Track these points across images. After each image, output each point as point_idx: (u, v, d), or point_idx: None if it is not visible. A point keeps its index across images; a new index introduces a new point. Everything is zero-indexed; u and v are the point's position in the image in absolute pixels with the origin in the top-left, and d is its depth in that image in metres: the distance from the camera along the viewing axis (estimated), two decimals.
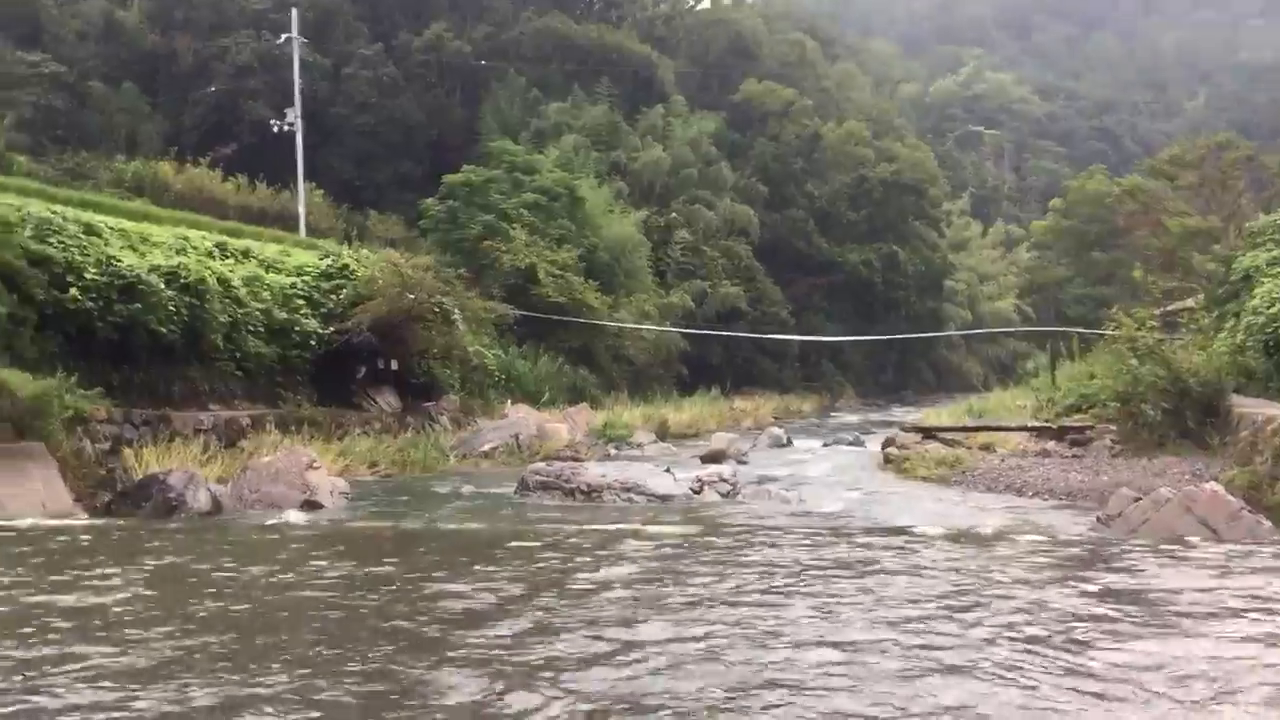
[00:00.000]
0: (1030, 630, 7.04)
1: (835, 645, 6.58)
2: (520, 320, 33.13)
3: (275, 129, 37.46)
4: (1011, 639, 6.78)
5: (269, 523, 13.12)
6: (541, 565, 9.74)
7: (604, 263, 39.96)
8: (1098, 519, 12.98)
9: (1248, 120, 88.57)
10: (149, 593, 8.33)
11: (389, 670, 6.06)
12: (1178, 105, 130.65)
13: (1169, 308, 25.28)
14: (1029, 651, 6.46)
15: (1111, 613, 7.59)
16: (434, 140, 49.68)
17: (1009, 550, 10.63)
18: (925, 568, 9.42)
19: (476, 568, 9.64)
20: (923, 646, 6.55)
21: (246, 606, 7.83)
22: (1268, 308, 20.84)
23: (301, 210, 36.01)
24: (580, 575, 9.16)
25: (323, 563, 9.81)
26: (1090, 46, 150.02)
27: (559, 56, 54.16)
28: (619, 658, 6.28)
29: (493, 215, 36.92)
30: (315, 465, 15.87)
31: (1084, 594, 8.31)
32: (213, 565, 9.62)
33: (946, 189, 76.99)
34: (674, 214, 49.04)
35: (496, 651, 6.46)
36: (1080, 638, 6.85)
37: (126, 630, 6.94)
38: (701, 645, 6.54)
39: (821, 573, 9.11)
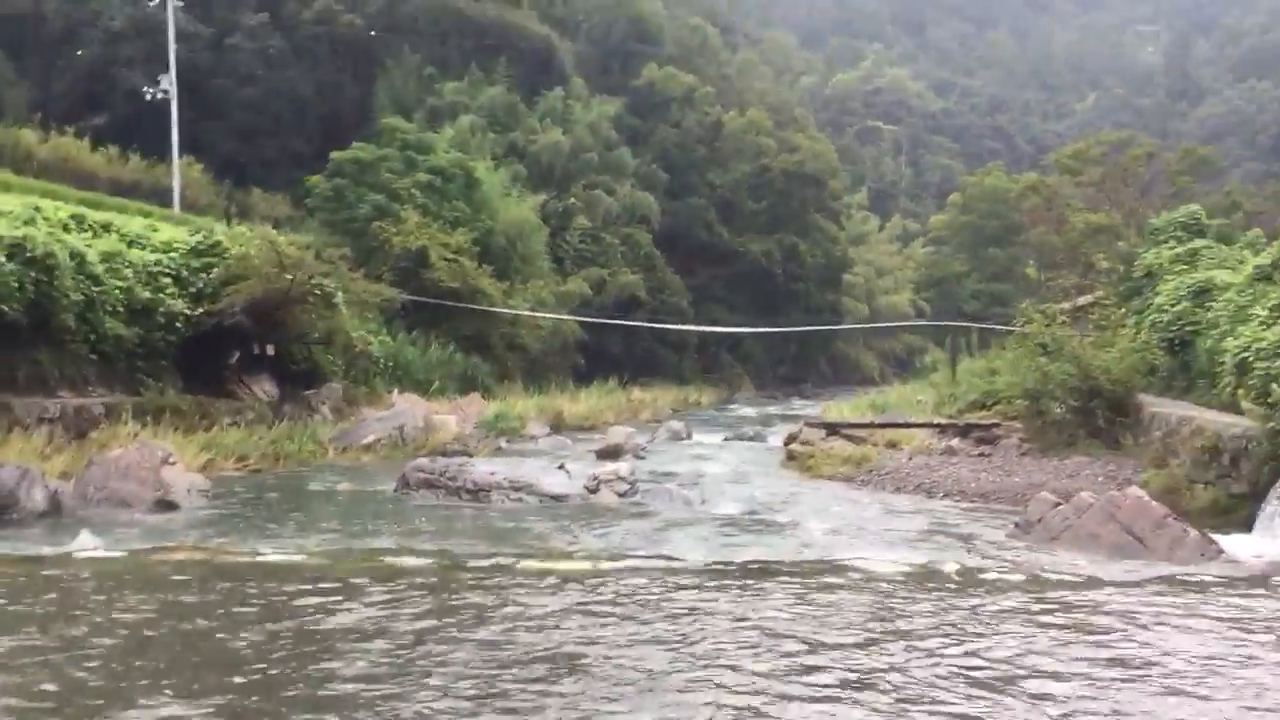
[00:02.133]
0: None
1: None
2: (411, 306, 31.69)
3: (148, 97, 35.11)
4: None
5: (45, 552, 10.33)
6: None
7: (500, 247, 38.55)
8: (1016, 525, 12.30)
9: (1134, 123, 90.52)
10: None
11: None
12: (1068, 107, 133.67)
13: (1078, 302, 25.04)
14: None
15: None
16: (325, 116, 47.60)
17: (935, 585, 9.75)
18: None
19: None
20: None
21: None
22: (1172, 305, 20.65)
23: (176, 184, 33.89)
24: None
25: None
26: (984, 45, 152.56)
27: (456, 34, 52.51)
28: None
29: (383, 195, 35.27)
30: (171, 460, 14.37)
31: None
32: None
33: (846, 182, 77.20)
34: (573, 199, 47.80)
35: None
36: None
37: None
38: None
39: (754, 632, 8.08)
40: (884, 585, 9.02)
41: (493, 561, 9.97)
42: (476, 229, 36.90)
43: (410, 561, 10.04)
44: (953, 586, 9.00)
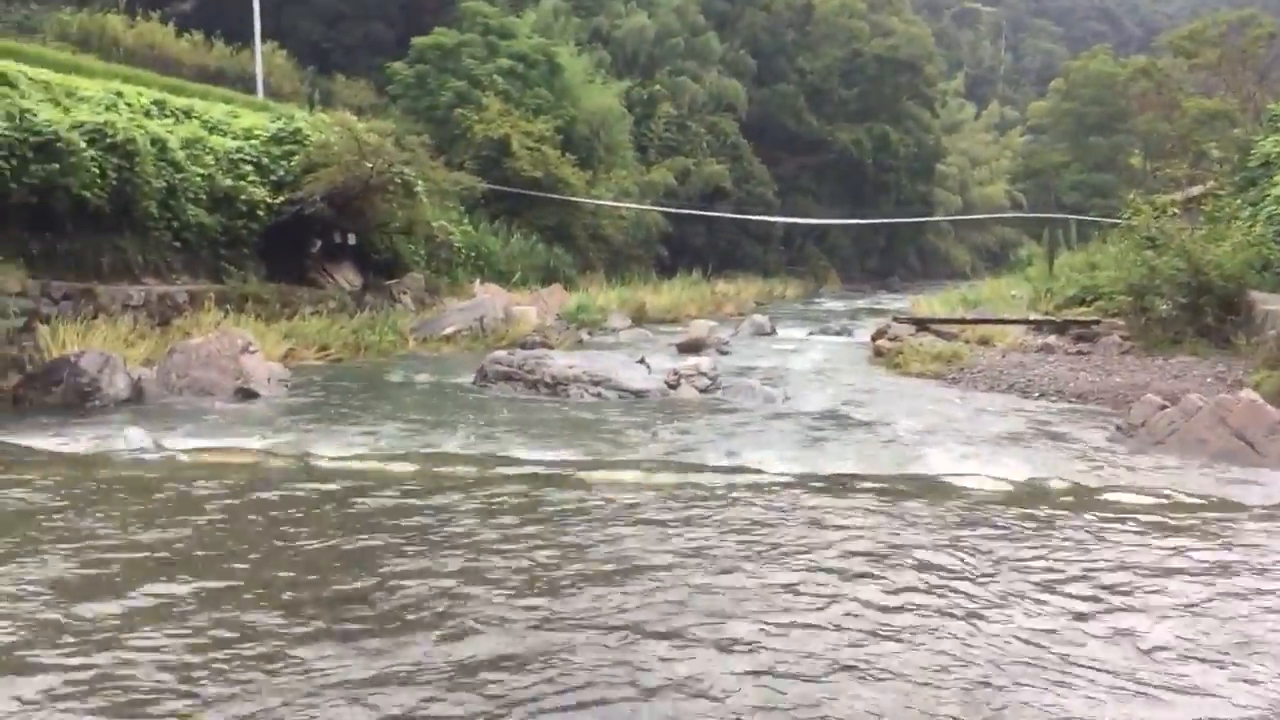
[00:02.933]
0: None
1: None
2: (492, 195, 31.34)
3: None
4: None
5: (79, 450, 9.86)
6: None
7: (583, 136, 37.87)
8: (1117, 428, 11.67)
9: (1253, 1, 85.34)
10: None
11: None
12: None
13: (1189, 193, 23.69)
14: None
15: None
16: (407, 1, 46.85)
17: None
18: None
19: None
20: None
21: None
22: None
23: (259, 70, 33.68)
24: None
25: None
26: None
27: None
28: None
29: (465, 82, 34.71)
30: (252, 349, 14.33)
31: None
32: None
33: (942, 68, 74.38)
34: (658, 86, 46.69)
35: None
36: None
37: None
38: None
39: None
40: (988, 498, 8.53)
41: (564, 464, 9.66)
42: (559, 117, 36.24)
43: (474, 464, 9.69)
44: (1064, 502, 8.48)
